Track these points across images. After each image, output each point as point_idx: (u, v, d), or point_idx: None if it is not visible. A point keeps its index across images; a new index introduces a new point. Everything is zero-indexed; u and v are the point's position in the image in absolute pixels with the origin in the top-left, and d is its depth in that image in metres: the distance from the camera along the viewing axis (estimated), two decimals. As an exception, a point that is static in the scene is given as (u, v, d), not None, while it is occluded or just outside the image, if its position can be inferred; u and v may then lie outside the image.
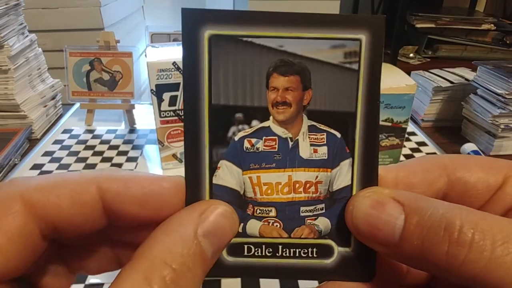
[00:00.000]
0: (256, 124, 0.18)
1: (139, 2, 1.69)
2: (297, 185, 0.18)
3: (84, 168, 0.63)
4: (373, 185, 0.18)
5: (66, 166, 0.63)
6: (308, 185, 0.18)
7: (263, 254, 0.18)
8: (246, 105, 0.17)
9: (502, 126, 0.66)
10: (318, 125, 0.18)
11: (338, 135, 0.18)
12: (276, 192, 0.18)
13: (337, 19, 0.17)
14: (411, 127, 0.77)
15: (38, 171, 0.62)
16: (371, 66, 0.17)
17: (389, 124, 0.56)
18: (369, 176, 0.18)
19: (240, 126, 0.18)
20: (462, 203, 0.17)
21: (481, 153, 0.66)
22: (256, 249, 0.18)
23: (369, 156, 0.18)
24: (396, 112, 0.55)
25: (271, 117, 0.18)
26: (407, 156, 0.67)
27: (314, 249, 0.18)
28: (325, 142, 0.18)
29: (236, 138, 0.18)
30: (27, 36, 0.76)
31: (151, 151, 0.68)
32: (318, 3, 1.37)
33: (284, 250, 0.18)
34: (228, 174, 0.18)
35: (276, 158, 0.18)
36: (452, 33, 1.48)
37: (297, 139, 0.18)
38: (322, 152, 0.18)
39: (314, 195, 0.18)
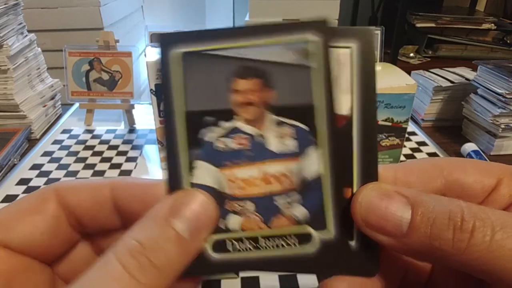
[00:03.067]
0: (226, 124, 0.20)
1: (139, 2, 1.68)
2: (271, 178, 0.19)
3: (84, 168, 0.63)
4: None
5: (65, 166, 0.63)
6: (281, 176, 0.20)
7: (247, 248, 0.19)
8: (215, 109, 0.20)
9: (502, 126, 0.66)
10: (283, 119, 0.20)
11: (305, 127, 0.19)
12: (252, 186, 0.19)
13: (283, 26, 0.19)
14: (411, 127, 0.76)
15: (38, 171, 0.62)
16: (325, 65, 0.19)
17: (389, 124, 0.56)
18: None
19: (212, 128, 0.20)
20: None
21: (482, 153, 0.66)
22: (239, 244, 0.19)
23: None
24: (396, 111, 0.55)
25: (238, 117, 0.20)
26: (408, 156, 0.67)
27: (294, 237, 0.19)
28: (292, 135, 0.20)
29: (210, 140, 0.19)
30: (26, 35, 0.76)
31: (151, 151, 0.68)
32: (318, 3, 1.37)
33: (266, 241, 0.19)
34: (205, 173, 0.19)
35: (248, 154, 0.20)
36: (452, 33, 1.48)
37: (266, 135, 0.20)
38: (291, 144, 0.20)
39: (288, 186, 0.19)
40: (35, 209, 0.20)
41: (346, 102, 0.19)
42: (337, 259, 0.19)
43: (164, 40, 0.19)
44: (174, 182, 0.19)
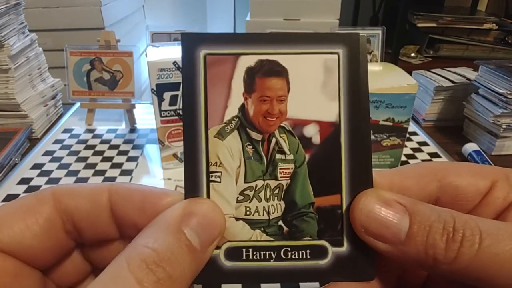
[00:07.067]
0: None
1: (140, 2, 1.68)
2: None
3: (85, 167, 0.63)
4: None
5: (66, 166, 0.63)
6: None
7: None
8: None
9: (504, 126, 0.66)
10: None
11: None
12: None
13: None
14: (412, 127, 0.76)
15: (39, 170, 0.62)
16: None
17: (390, 124, 0.56)
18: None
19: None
20: (454, 206, 0.19)
21: (483, 153, 0.66)
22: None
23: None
24: (397, 111, 0.55)
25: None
26: (409, 156, 0.67)
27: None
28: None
29: None
30: (27, 35, 0.76)
31: (152, 151, 0.68)
32: (319, 3, 1.37)
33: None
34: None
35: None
36: (453, 33, 1.48)
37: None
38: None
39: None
40: (29, 210, 0.19)
41: (333, 109, 0.19)
42: (346, 269, 0.19)
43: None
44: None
